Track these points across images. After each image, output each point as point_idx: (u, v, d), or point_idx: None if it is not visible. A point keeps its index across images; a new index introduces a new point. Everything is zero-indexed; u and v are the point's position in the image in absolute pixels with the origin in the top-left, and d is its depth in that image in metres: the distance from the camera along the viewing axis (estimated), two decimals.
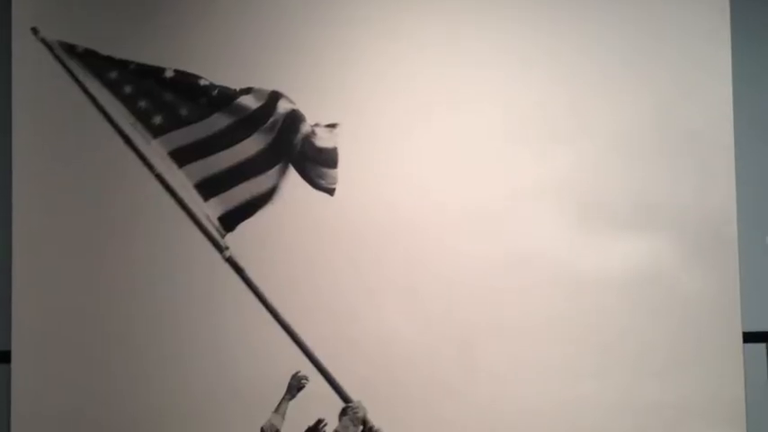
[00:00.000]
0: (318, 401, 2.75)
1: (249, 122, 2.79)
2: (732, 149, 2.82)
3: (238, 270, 2.75)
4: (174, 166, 2.76)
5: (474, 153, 2.83)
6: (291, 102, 2.81)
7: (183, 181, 2.77)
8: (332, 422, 2.78)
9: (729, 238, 2.78)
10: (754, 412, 2.78)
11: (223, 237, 2.77)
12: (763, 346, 2.82)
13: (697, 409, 2.75)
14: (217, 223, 2.77)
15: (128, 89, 2.77)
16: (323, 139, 2.82)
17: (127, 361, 2.76)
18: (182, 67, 2.79)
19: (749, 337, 2.79)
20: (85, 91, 2.75)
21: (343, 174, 2.82)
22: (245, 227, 2.79)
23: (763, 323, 2.82)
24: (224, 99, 2.78)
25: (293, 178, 2.82)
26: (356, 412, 2.76)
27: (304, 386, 2.75)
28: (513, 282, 2.79)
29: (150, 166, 2.75)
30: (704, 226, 2.79)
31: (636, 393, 2.76)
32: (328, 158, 2.81)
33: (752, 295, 2.81)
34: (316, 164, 2.81)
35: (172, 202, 2.75)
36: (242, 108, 2.79)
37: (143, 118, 2.76)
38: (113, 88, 2.77)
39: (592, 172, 2.82)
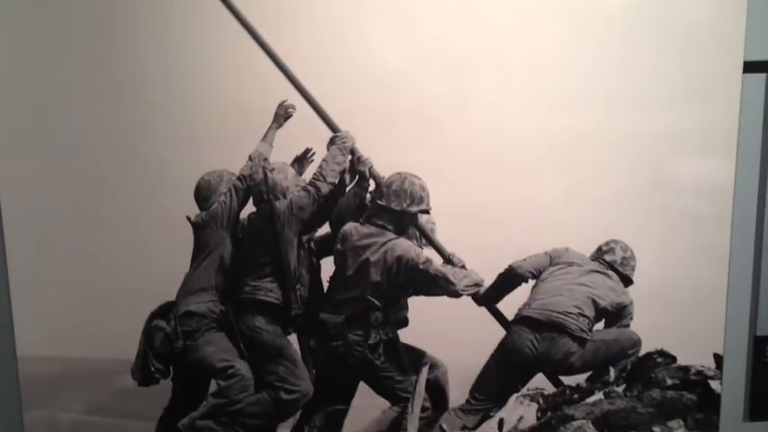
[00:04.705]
0: (306, 131, 2.73)
1: None
2: None
3: None
4: None
5: None
6: None
7: None
8: (320, 152, 2.77)
9: None
10: (747, 143, 2.75)
11: None
12: (763, 76, 2.73)
13: (692, 138, 2.74)
14: None
15: None
16: None
17: (113, 92, 2.69)
18: None
19: (751, 67, 2.69)
20: None
21: None
22: None
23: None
24: None
25: None
26: (344, 142, 2.74)
27: (291, 115, 2.71)
28: (510, 7, 2.65)
29: None
30: None
31: (635, 123, 2.72)
32: None
33: (758, 21, 2.67)
34: None
35: None
36: None
37: None
38: None
39: None
